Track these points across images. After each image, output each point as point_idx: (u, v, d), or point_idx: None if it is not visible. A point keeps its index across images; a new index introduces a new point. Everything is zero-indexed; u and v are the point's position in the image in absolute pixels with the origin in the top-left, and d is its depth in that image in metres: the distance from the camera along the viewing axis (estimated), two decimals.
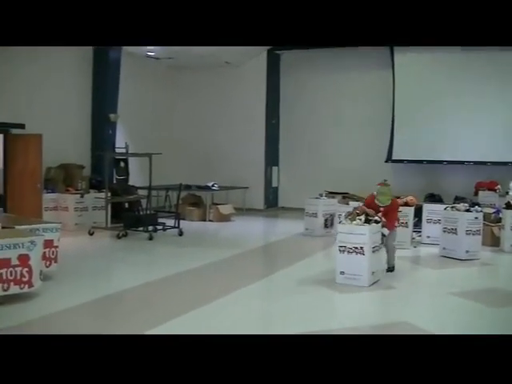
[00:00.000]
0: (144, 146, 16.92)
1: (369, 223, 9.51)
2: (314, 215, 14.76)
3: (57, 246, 9.42)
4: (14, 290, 7.84)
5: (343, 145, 19.74)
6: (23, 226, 9.16)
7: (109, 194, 14.50)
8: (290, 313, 7.89)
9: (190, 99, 20.97)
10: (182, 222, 15.19)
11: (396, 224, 10.52)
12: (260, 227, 17.87)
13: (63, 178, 15.82)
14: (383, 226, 9.90)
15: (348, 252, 9.31)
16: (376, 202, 10.11)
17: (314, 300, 8.55)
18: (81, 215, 15.16)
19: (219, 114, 20.64)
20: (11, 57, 13.74)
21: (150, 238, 13.60)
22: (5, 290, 7.75)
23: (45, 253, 8.89)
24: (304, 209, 15.11)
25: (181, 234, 14.47)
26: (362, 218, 9.56)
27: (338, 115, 19.74)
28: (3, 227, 9.04)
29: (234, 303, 8.28)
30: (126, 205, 16.05)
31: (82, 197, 15.29)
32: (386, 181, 10.36)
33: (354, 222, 9.51)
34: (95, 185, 16.10)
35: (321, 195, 15.42)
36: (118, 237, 13.72)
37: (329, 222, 14.79)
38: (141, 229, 14.14)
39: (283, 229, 16.65)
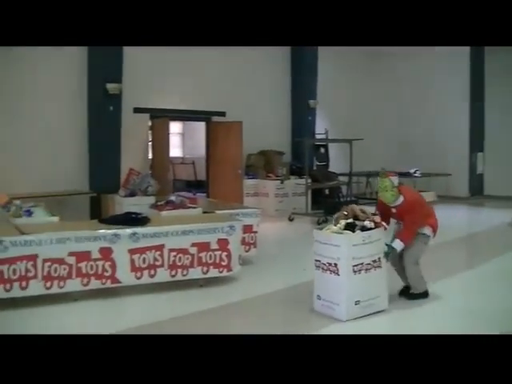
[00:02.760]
0: (344, 132, 16.64)
1: (353, 230, 6.68)
2: None
3: (256, 232, 9.37)
4: (213, 273, 7.89)
5: None
6: (223, 211, 9.23)
7: (309, 181, 14.39)
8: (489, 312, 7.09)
9: (389, 84, 20.33)
10: None
11: (423, 231, 7.17)
12: (463, 216, 16.85)
13: (263, 165, 15.97)
14: (395, 237, 7.13)
15: (322, 269, 6.70)
16: None
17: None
18: (281, 201, 15.21)
19: (420, 99, 19.82)
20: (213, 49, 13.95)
21: None
22: (204, 273, 7.84)
23: (244, 238, 8.88)
24: None
25: None
26: (343, 222, 6.79)
27: None
28: (204, 212, 9.20)
29: (432, 295, 7.72)
30: (327, 191, 15.91)
31: (282, 183, 15.33)
32: (383, 169, 7.21)
33: (334, 228, 6.83)
34: (295, 171, 16.06)
35: None
36: (318, 223, 13.54)
37: None
38: None
39: (488, 218, 15.54)
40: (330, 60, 17.80)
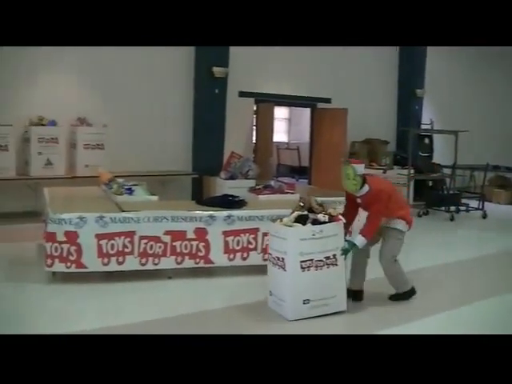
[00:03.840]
0: (451, 123, 16.23)
1: (304, 222, 6.24)
2: None
3: None
4: None
5: None
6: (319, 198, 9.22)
7: (412, 171, 14.18)
8: None
9: (498, 77, 19.58)
10: (487, 204, 14.38)
11: (396, 226, 6.68)
12: None
13: (367, 153, 15.80)
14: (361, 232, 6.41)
15: (272, 264, 6.28)
16: None
17: None
18: None
19: None
20: None
21: (452, 219, 13.07)
22: None
23: None
24: None
25: (484, 216, 13.68)
26: (295, 214, 6.34)
27: None
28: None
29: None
30: (430, 183, 15.63)
31: (384, 172, 15.10)
32: (349, 154, 6.33)
33: (285, 219, 6.34)
34: (399, 161, 15.81)
35: None
36: (419, 215, 13.39)
37: None
38: (442, 208, 13.69)
39: None
40: (439, 48, 17.34)
